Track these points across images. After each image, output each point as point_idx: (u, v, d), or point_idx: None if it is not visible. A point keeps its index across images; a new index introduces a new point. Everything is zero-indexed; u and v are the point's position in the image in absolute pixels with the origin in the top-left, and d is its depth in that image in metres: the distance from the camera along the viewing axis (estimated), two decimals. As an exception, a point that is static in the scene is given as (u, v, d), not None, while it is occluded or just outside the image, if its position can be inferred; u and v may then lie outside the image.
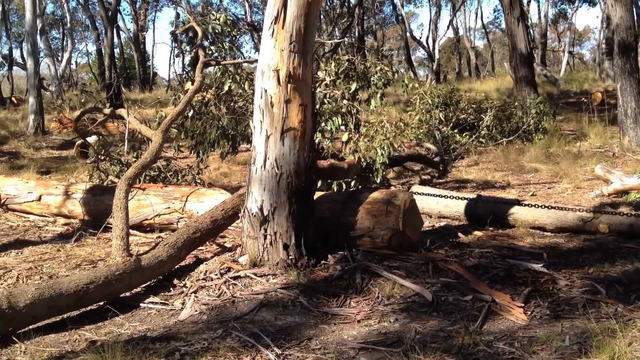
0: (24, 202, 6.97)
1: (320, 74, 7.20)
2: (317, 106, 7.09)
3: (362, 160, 7.14)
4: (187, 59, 7.84)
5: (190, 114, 7.40)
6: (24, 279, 4.82)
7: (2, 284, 4.71)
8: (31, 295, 3.68)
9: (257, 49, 7.89)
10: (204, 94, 7.51)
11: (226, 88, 7.29)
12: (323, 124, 7.13)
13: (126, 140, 7.56)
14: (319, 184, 7.41)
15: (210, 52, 7.64)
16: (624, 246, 5.19)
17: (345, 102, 7.08)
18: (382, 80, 7.40)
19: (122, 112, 7.22)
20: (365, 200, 5.06)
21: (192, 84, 7.45)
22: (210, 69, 7.79)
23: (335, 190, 7.36)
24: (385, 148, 7.22)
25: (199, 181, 7.71)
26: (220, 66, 7.50)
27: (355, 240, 4.94)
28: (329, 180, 7.37)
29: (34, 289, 3.73)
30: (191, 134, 7.56)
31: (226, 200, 5.25)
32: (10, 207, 7.10)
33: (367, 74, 7.45)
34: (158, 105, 9.13)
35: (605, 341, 3.13)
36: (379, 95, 7.36)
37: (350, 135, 7.17)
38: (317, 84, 7.20)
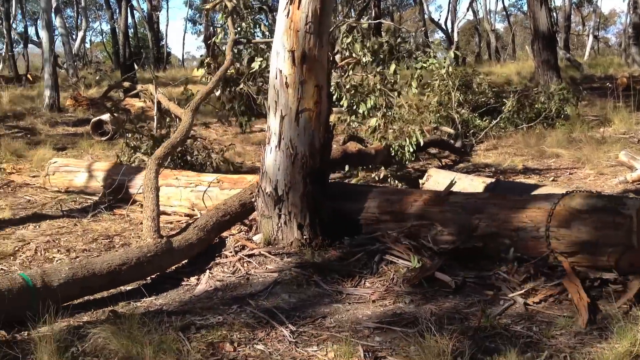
0: (139, 193, 6.26)
1: (356, 54, 7.09)
2: (349, 87, 7.03)
3: (393, 147, 7.10)
4: (220, 37, 7.67)
5: (218, 93, 7.29)
6: (42, 251, 4.86)
7: (20, 256, 4.76)
8: (65, 275, 3.63)
9: (270, 30, 7.70)
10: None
11: (256, 67, 7.16)
12: (355, 107, 7.07)
13: (155, 117, 7.51)
14: (346, 168, 7.42)
15: (240, 29, 7.46)
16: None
17: (378, 85, 6.99)
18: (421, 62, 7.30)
19: (150, 88, 7.17)
20: (576, 206, 4.05)
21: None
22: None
23: (360, 176, 7.34)
24: (415, 138, 7.16)
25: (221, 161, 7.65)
26: (251, 45, 7.36)
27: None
28: (357, 166, 7.35)
29: (67, 269, 3.69)
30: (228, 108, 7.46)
31: (254, 183, 5.21)
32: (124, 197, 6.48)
33: (404, 57, 7.34)
34: (184, 84, 8.95)
35: (627, 327, 3.07)
36: (416, 76, 7.24)
37: (379, 122, 7.10)
38: (350, 67, 7.12)
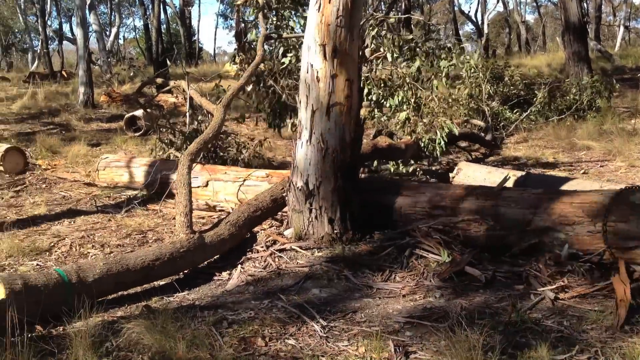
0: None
1: (383, 49, 7.09)
2: (380, 82, 7.03)
3: (423, 141, 7.09)
4: (254, 32, 7.72)
5: (249, 88, 7.33)
6: (76, 247, 4.97)
7: (55, 251, 4.87)
8: (99, 270, 3.70)
9: (301, 25, 7.75)
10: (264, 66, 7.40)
11: (287, 62, 7.19)
12: (383, 101, 7.07)
13: (187, 114, 7.62)
14: (374, 163, 7.42)
15: (272, 23, 7.49)
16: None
17: (407, 79, 6.98)
18: (447, 59, 7.25)
19: (182, 84, 7.26)
20: (635, 200, 3.93)
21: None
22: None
23: (392, 171, 7.33)
24: (446, 130, 7.13)
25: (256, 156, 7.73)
26: (282, 40, 7.40)
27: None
28: (387, 160, 7.34)
29: (102, 264, 3.76)
30: (257, 104, 7.51)
31: (285, 179, 5.25)
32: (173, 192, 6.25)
33: (428, 55, 7.30)
34: (215, 79, 9.02)
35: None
36: (443, 74, 7.21)
37: (408, 115, 7.08)
38: (379, 61, 7.12)
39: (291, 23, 7.42)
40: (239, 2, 7.68)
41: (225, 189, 6.14)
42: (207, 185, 6.27)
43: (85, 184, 7.34)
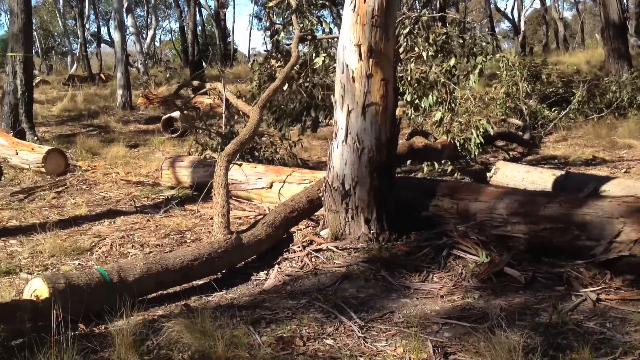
0: (252, 189, 6.49)
1: (417, 49, 7.06)
2: (413, 81, 7.01)
3: (458, 140, 7.04)
4: (281, 35, 7.76)
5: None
6: (117, 247, 5.05)
7: (97, 251, 4.96)
8: (140, 270, 3.75)
9: (335, 24, 7.82)
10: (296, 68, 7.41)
11: (320, 62, 7.20)
12: (417, 101, 7.04)
13: (223, 115, 7.69)
14: (408, 162, 7.40)
15: (302, 26, 7.51)
16: None
17: (442, 79, 6.94)
18: (483, 54, 7.18)
19: (218, 86, 7.33)
20: None
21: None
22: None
23: (425, 171, 7.27)
24: (482, 129, 7.06)
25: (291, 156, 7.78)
26: (315, 41, 7.40)
27: None
28: (423, 160, 7.31)
29: (142, 264, 3.81)
30: (274, 108, 7.56)
31: (321, 180, 5.22)
32: (233, 194, 6.35)
33: (464, 47, 7.24)
34: (247, 80, 9.08)
35: None
36: (477, 71, 7.13)
37: (444, 115, 7.03)
38: (412, 60, 7.09)
39: (324, 25, 7.45)
40: (270, 4, 7.73)
41: (290, 191, 6.07)
42: (271, 186, 6.30)
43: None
